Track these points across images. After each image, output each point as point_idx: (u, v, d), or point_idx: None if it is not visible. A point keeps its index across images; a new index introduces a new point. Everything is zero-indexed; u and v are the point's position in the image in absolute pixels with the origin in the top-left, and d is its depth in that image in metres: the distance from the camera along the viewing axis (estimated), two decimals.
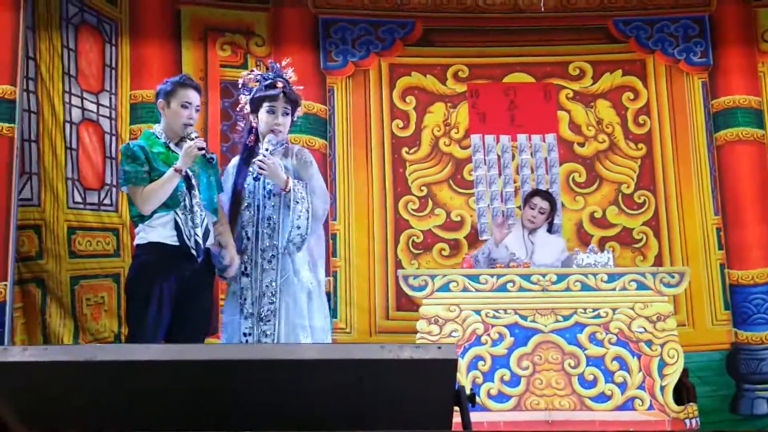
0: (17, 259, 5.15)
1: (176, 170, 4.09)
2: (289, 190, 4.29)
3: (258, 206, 4.40)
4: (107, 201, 5.68)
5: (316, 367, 1.93)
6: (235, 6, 6.48)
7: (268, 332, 4.28)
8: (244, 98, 4.54)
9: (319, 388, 1.93)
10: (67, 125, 5.58)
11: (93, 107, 5.80)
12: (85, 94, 5.75)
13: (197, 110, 4.31)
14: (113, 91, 5.98)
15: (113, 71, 6.00)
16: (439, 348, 1.95)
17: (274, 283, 4.32)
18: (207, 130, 6.17)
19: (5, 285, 4.93)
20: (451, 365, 2.04)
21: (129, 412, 1.94)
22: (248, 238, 4.37)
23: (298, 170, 4.42)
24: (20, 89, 5.18)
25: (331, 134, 6.55)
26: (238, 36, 6.48)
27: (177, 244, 4.11)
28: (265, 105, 4.42)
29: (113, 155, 5.77)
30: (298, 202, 4.30)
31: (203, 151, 4.14)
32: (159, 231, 4.15)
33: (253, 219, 4.39)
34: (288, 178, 4.30)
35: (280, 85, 4.43)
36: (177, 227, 4.12)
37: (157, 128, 4.32)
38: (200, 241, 4.14)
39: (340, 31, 6.68)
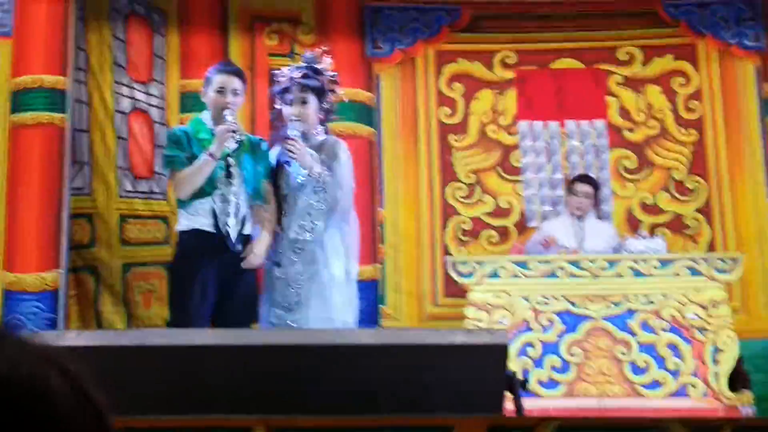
0: (70, 248, 5.22)
1: (210, 155, 4.12)
2: (315, 178, 4.31)
3: (291, 197, 4.41)
4: (157, 189, 5.75)
5: (371, 351, 1.93)
6: None
7: (294, 324, 4.29)
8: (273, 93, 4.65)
9: (373, 372, 1.93)
10: (118, 115, 5.64)
11: (142, 97, 5.86)
12: (134, 84, 5.81)
13: (235, 94, 4.33)
14: (162, 80, 6.03)
15: (162, 61, 6.05)
16: (491, 333, 1.94)
17: (300, 275, 4.33)
18: (254, 119, 6.19)
19: (59, 272, 5.00)
20: (503, 350, 2.03)
21: (181, 395, 1.96)
22: (281, 228, 4.40)
23: (329, 162, 4.44)
24: (71, 80, 5.24)
25: (378, 122, 6.54)
26: (285, 24, 6.48)
27: (214, 231, 4.16)
28: (285, 97, 4.49)
29: (162, 144, 5.83)
30: (316, 192, 4.33)
31: (234, 135, 4.15)
32: (198, 217, 4.20)
33: (285, 209, 4.41)
34: (314, 164, 4.32)
35: (296, 75, 4.48)
36: (214, 214, 4.17)
37: (206, 115, 4.38)
38: (232, 231, 4.18)
39: (387, 18, 6.66)
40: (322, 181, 4.32)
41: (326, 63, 4.60)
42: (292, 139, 4.32)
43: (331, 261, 4.39)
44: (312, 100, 4.49)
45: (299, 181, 4.39)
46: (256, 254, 4.25)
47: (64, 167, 5.13)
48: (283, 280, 4.34)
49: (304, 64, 4.57)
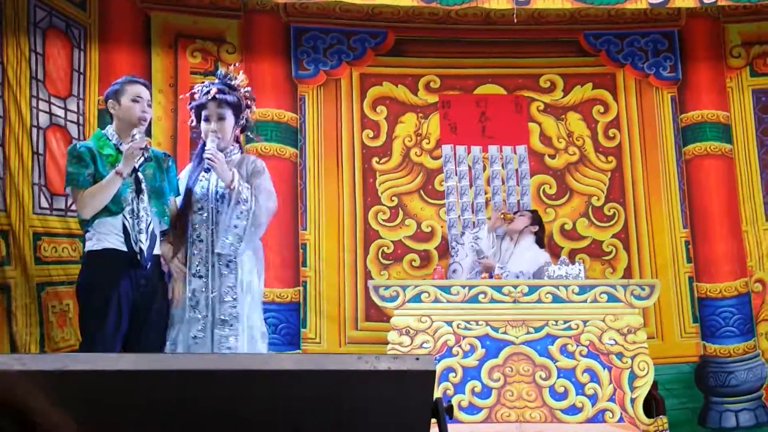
0: None
1: (117, 173, 4.02)
2: (234, 188, 4.29)
3: (211, 210, 4.39)
4: (74, 207, 5.60)
5: (293, 377, 1.90)
6: (207, 13, 6.42)
7: (231, 337, 4.26)
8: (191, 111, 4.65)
9: (296, 399, 1.89)
10: (34, 130, 5.48)
11: (60, 112, 5.72)
12: (52, 99, 5.66)
13: (149, 105, 4.30)
14: (81, 96, 5.90)
15: (81, 76, 5.92)
16: (417, 359, 1.92)
17: (234, 288, 4.30)
18: (176, 138, 6.11)
19: None
20: (429, 377, 2.01)
21: (100, 423, 1.90)
22: (201, 241, 4.37)
23: (250, 177, 4.44)
24: None
25: (302, 143, 6.51)
26: (209, 43, 6.42)
27: (126, 249, 4.06)
28: (202, 113, 4.52)
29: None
30: (239, 203, 4.31)
31: (144, 152, 4.06)
32: (111, 237, 4.09)
33: (206, 222, 4.40)
34: (234, 176, 4.30)
35: (213, 91, 4.47)
36: (125, 232, 4.07)
37: (110, 129, 4.30)
38: (144, 248, 4.09)
39: (312, 39, 6.65)
40: (242, 195, 4.30)
41: (241, 79, 4.59)
42: (210, 151, 4.30)
43: (251, 275, 4.39)
44: (229, 116, 4.50)
45: (219, 194, 4.38)
46: (178, 293, 4.24)
47: None
48: (208, 294, 4.31)
49: (218, 80, 4.56)
